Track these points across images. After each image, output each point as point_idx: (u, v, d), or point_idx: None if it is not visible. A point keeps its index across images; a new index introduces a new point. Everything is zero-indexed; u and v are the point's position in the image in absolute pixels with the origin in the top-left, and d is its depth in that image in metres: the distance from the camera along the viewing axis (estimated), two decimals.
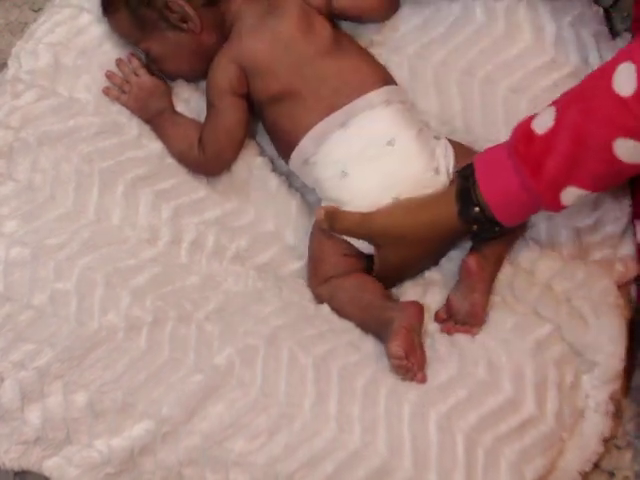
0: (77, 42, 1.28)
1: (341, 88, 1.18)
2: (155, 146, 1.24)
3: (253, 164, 1.26)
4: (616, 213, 1.21)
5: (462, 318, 1.14)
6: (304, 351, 1.12)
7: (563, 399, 1.11)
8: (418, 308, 1.13)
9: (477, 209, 1.08)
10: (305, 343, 1.13)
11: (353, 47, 1.24)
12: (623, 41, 1.28)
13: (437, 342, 1.14)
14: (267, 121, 1.22)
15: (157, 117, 1.25)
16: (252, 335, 1.13)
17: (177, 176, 1.23)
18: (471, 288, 1.13)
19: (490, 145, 1.13)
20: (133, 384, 1.11)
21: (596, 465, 1.15)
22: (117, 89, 1.26)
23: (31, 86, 1.25)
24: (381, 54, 1.26)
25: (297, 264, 1.24)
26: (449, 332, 1.14)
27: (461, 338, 1.13)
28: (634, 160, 1.02)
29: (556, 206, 1.06)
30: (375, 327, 1.14)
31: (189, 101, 1.28)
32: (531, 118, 1.07)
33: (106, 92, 1.25)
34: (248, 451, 1.08)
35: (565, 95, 1.07)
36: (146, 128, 1.25)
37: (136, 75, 1.26)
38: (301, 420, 1.08)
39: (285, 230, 1.25)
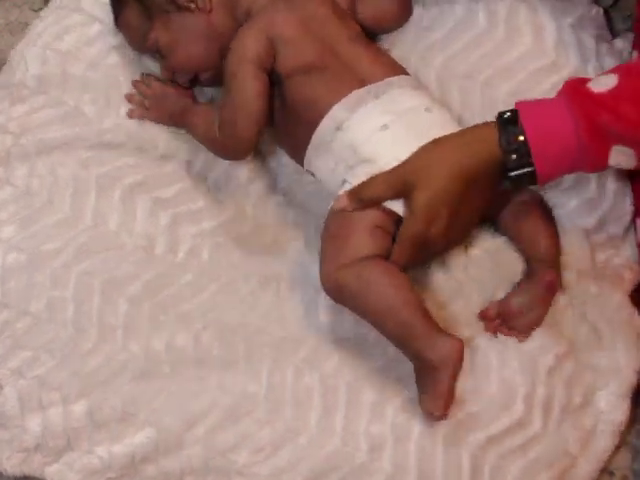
0: (87, 52, 1.28)
1: (373, 68, 1.15)
2: (155, 154, 1.24)
3: (254, 170, 1.25)
4: (618, 212, 1.20)
5: (517, 326, 1.12)
6: (310, 368, 1.11)
7: (568, 419, 1.11)
8: (461, 350, 1.05)
9: (521, 137, 1.02)
10: (311, 359, 1.12)
11: (378, 45, 1.24)
12: (624, 41, 1.27)
13: None
14: (290, 93, 1.15)
15: (181, 116, 1.23)
16: (255, 350, 1.13)
17: (175, 184, 1.23)
18: (543, 303, 1.12)
19: None
20: (133, 393, 1.11)
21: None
22: (139, 108, 1.25)
23: (36, 92, 1.25)
24: None
25: (298, 272, 1.22)
26: (495, 332, 1.12)
27: (478, 352, 1.12)
28: None
29: (603, 162, 1.02)
30: (406, 352, 1.08)
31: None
32: (582, 81, 1.03)
33: (130, 115, 1.25)
34: (252, 462, 1.09)
35: (626, 66, 1.04)
36: (149, 139, 1.25)
37: (149, 87, 1.25)
38: (306, 434, 1.09)
39: (285, 240, 1.24)
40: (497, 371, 1.11)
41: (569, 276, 1.17)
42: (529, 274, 1.14)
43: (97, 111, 1.25)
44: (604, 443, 1.13)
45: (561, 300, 1.16)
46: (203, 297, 1.17)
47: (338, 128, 1.12)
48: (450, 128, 1.11)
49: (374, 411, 1.09)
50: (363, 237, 1.08)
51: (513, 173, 1.04)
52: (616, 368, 1.14)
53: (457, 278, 1.18)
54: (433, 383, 1.05)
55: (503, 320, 1.13)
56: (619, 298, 1.17)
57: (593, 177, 1.19)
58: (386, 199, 1.08)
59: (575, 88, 1.03)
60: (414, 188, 1.05)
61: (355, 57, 1.16)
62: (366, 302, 1.07)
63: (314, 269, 1.16)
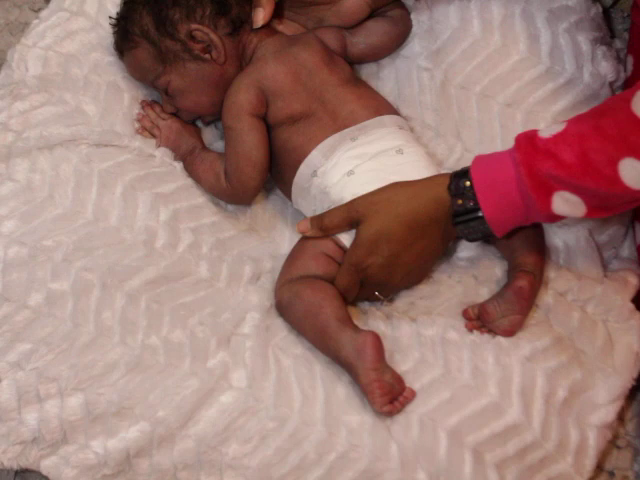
0: (89, 57, 1.28)
1: (357, 110, 1.19)
2: (156, 153, 1.25)
3: None
4: (618, 215, 1.19)
5: (494, 329, 1.13)
6: (284, 352, 1.12)
7: (551, 411, 1.10)
8: (374, 343, 1.08)
9: (468, 183, 1.06)
10: (282, 344, 1.13)
11: (367, 84, 1.26)
12: (622, 42, 1.28)
13: (424, 346, 1.13)
14: (277, 141, 1.21)
15: (188, 156, 1.25)
16: (240, 336, 1.13)
17: (176, 180, 1.23)
18: (516, 309, 1.12)
19: None
20: (129, 387, 1.10)
21: (596, 465, 1.14)
22: (148, 132, 1.26)
23: (36, 91, 1.25)
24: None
25: None
26: (471, 329, 1.13)
27: (449, 342, 1.12)
28: (638, 185, 0.99)
29: (546, 209, 1.04)
30: (332, 358, 1.11)
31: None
32: (534, 131, 1.05)
33: (140, 132, 1.26)
34: (242, 454, 1.08)
35: (579, 114, 1.05)
36: (149, 141, 1.25)
37: (163, 119, 1.26)
38: (291, 423, 1.08)
39: (283, 237, 1.26)
40: (468, 362, 1.11)
41: (573, 277, 1.17)
42: (508, 279, 1.15)
43: (98, 111, 1.25)
44: (598, 444, 1.12)
45: (563, 300, 1.17)
46: (201, 292, 1.17)
47: (313, 174, 1.18)
48: (416, 170, 1.15)
49: (350, 398, 1.09)
50: (308, 260, 1.15)
51: (461, 218, 1.07)
52: (611, 371, 1.14)
53: (440, 280, 1.19)
54: (358, 379, 1.08)
55: (482, 322, 1.14)
56: (622, 301, 1.17)
57: None
58: (341, 229, 1.14)
59: (524, 137, 1.05)
60: (362, 221, 1.11)
61: (341, 101, 1.20)
62: (295, 313, 1.14)
63: None
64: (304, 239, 1.16)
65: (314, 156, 1.18)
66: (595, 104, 1.20)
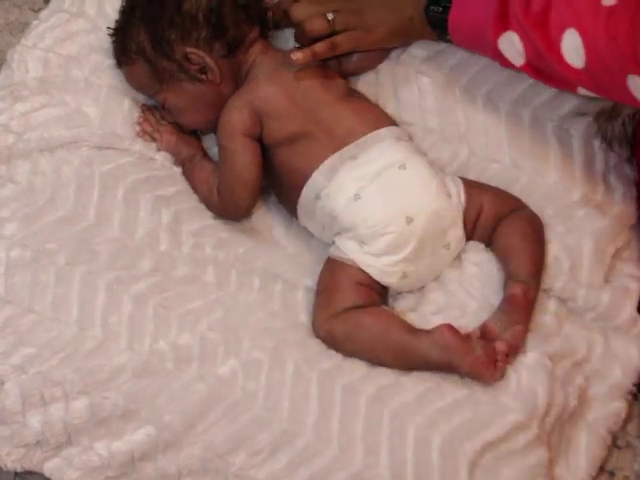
0: (89, 59, 1.28)
1: (354, 126, 1.19)
2: (157, 157, 1.25)
3: None
4: (625, 217, 1.21)
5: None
6: (309, 366, 1.11)
7: (564, 422, 1.11)
8: (450, 331, 1.09)
9: None
10: (310, 358, 1.12)
11: (363, 96, 1.26)
12: None
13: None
14: (276, 162, 1.21)
15: (188, 162, 1.25)
16: (257, 347, 1.12)
17: (177, 183, 1.24)
18: (515, 319, 1.11)
19: (494, 165, 1.19)
20: (135, 390, 1.10)
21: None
22: (149, 136, 1.26)
23: (36, 93, 1.25)
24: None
25: (300, 270, 1.22)
26: None
27: None
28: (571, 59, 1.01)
29: (494, 40, 1.07)
30: (421, 368, 1.11)
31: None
32: None
33: (141, 136, 1.26)
34: (249, 465, 1.08)
35: None
36: (149, 145, 1.25)
37: (164, 123, 1.26)
38: (303, 438, 1.07)
39: (286, 238, 1.25)
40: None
41: (580, 283, 1.17)
42: (504, 291, 1.15)
43: (99, 113, 1.25)
44: (599, 447, 1.13)
45: (562, 309, 1.17)
46: (211, 296, 1.17)
47: (317, 197, 1.18)
48: (422, 184, 1.16)
49: (370, 415, 1.08)
50: (347, 292, 1.15)
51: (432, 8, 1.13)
52: (613, 375, 1.15)
53: (450, 289, 1.18)
54: (461, 370, 1.09)
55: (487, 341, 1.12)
56: (629, 310, 1.16)
57: (600, 183, 1.21)
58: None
59: None
60: None
61: (336, 119, 1.19)
62: (358, 340, 1.13)
63: (316, 268, 1.20)
64: (331, 268, 1.17)
65: (316, 178, 1.17)
66: (602, 104, 1.21)
